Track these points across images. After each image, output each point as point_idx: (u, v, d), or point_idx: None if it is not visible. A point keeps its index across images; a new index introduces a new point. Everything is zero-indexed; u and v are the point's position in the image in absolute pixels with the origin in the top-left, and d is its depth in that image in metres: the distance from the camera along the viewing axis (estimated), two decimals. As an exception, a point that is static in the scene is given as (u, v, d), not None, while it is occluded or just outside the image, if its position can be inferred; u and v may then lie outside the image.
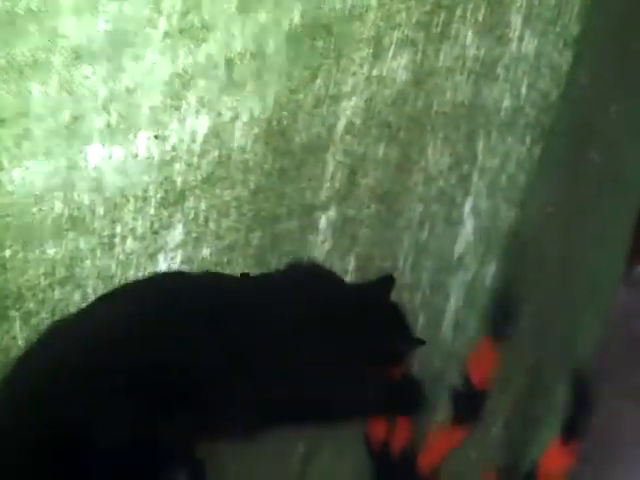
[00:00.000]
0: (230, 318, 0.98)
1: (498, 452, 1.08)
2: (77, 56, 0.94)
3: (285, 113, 1.08)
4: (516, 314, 1.09)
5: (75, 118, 0.97)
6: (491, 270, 1.13)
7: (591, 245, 1.12)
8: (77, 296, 1.05)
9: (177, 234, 1.09)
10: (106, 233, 1.04)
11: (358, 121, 1.09)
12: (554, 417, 1.06)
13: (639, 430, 1.23)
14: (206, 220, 1.11)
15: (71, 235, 1.02)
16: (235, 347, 0.96)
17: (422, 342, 1.06)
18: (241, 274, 1.09)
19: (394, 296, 1.11)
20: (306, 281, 1.05)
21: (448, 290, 1.13)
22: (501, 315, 1.10)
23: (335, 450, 1.08)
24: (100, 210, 1.02)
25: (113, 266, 1.06)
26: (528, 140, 1.11)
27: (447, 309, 1.13)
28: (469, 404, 1.08)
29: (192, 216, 1.10)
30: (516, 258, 1.11)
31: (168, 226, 1.09)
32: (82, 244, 1.02)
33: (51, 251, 1.01)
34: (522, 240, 1.11)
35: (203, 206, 1.10)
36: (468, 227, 1.13)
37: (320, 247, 1.13)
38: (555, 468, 1.04)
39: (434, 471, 1.07)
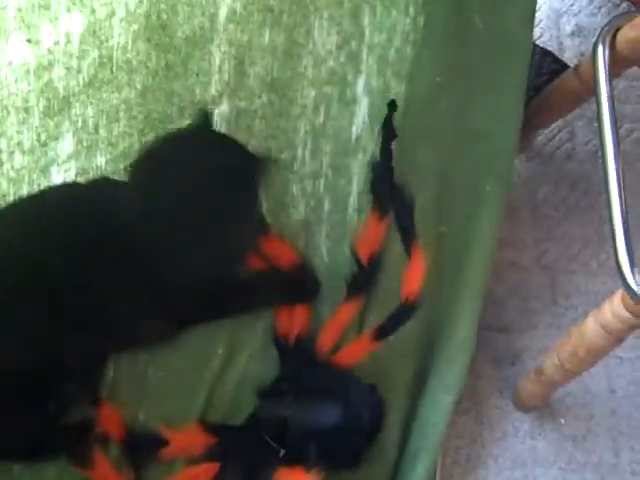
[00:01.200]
0: (118, 225, 0.93)
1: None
2: None
3: (163, 6, 1.04)
4: (399, 187, 1.10)
5: None
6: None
7: (484, 113, 1.14)
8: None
9: (67, 144, 1.06)
10: (-10, 148, 1.00)
11: (239, 7, 1.07)
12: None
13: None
14: (96, 127, 1.07)
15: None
16: (125, 253, 0.93)
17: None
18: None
19: (297, 185, 1.12)
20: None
21: (350, 173, 1.13)
22: (384, 188, 1.11)
23: (252, 354, 1.09)
24: (-20, 125, 0.98)
25: (4, 183, 1.02)
26: (412, 11, 1.10)
27: (351, 192, 1.13)
28: (359, 279, 1.09)
29: (80, 124, 1.06)
30: (407, 133, 1.11)
31: (56, 137, 1.05)
32: (-35, 160, 0.98)
33: None
34: (413, 115, 1.11)
35: (91, 112, 1.06)
36: (363, 106, 1.12)
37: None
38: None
39: (332, 351, 1.08)
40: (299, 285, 1.09)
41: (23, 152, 1.04)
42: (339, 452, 1.03)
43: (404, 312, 1.07)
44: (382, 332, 1.07)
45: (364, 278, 1.10)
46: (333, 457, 1.01)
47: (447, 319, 1.08)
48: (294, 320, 1.08)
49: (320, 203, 1.12)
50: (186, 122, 1.06)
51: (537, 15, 1.28)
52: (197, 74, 1.08)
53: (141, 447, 1.02)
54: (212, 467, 1.03)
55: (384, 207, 1.10)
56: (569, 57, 1.41)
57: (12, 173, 1.03)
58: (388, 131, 1.11)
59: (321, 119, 1.12)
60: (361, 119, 1.12)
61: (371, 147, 1.12)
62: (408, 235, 1.09)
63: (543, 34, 1.41)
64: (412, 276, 1.08)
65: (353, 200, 1.13)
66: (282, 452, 1.02)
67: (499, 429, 1.18)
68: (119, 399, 1.06)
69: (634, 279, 0.95)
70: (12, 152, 1.03)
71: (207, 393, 1.07)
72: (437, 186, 1.12)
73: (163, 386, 1.07)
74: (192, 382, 1.07)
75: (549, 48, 1.39)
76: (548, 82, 1.33)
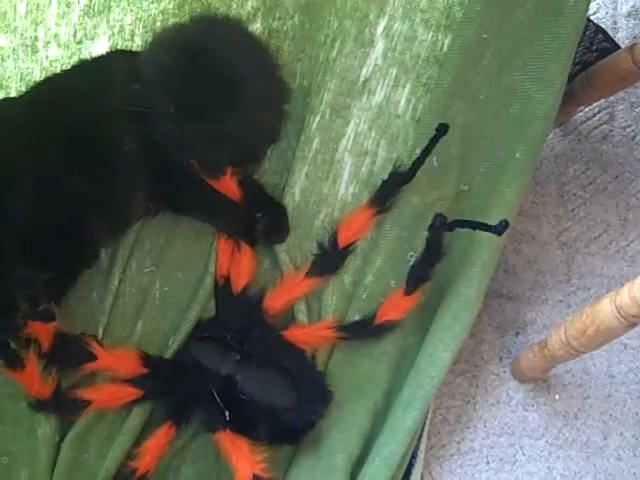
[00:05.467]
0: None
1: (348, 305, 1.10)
2: None
3: None
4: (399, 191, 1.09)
5: None
6: (403, 96, 1.11)
7: (525, 76, 1.11)
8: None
9: (102, 46, 1.06)
10: (28, 35, 0.99)
11: None
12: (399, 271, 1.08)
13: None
14: (132, 34, 1.07)
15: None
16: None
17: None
18: None
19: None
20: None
21: (349, 115, 1.10)
22: (389, 188, 1.09)
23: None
24: (22, 8, 0.97)
25: (37, 71, 1.02)
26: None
27: (345, 134, 1.11)
28: (328, 258, 1.09)
29: (117, 29, 1.06)
30: (441, 86, 1.10)
31: (93, 37, 1.05)
32: (3, 41, 0.98)
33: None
34: (451, 68, 1.09)
35: (129, 19, 1.06)
36: (378, 49, 1.09)
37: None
38: (393, 313, 1.06)
39: (278, 315, 1.08)
40: (270, 221, 1.08)
41: (59, 45, 1.04)
42: (282, 431, 1.02)
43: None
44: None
45: (333, 260, 1.09)
46: (274, 432, 1.01)
47: (458, 277, 1.06)
48: (240, 264, 1.07)
49: (309, 141, 1.10)
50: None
51: (595, -10, 1.26)
52: (235, -13, 1.07)
53: (67, 356, 1.01)
54: (134, 392, 1.02)
55: (382, 204, 1.09)
56: (621, 38, 1.37)
57: (45, 63, 1.04)
58: (426, 149, 1.08)
59: (334, 54, 1.10)
60: (373, 62, 1.10)
61: (378, 92, 1.10)
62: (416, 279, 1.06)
63: (599, 10, 1.38)
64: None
65: (346, 143, 1.11)
66: (227, 414, 1.01)
67: (493, 395, 1.18)
68: (119, 310, 1.07)
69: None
70: (48, 42, 1.03)
71: (199, 309, 1.07)
72: (465, 143, 1.11)
73: (164, 300, 1.08)
74: (188, 298, 1.08)
75: (603, 26, 1.36)
76: (596, 60, 1.31)
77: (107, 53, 1.03)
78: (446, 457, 1.14)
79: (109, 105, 0.94)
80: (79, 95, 0.95)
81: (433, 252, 1.04)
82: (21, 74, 1.01)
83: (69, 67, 1.01)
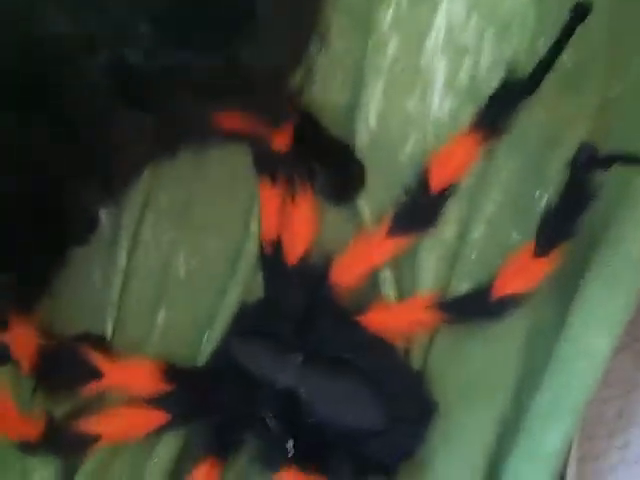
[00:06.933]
0: None
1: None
2: None
3: None
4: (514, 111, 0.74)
5: None
6: None
7: None
8: None
9: None
10: None
11: None
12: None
13: None
14: None
15: None
16: None
17: None
18: None
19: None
20: None
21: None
22: (501, 103, 0.75)
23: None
24: None
25: None
26: None
27: (433, 25, 0.78)
28: (416, 210, 0.75)
29: None
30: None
31: None
32: None
33: None
34: None
35: None
36: None
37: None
38: (519, 282, 0.73)
39: (353, 292, 0.75)
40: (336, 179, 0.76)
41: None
42: (368, 461, 0.72)
43: None
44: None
45: (425, 210, 0.75)
46: (359, 466, 0.71)
47: (615, 230, 0.72)
48: (295, 223, 0.75)
49: (383, 43, 0.78)
50: None
51: None
52: None
53: (61, 375, 0.72)
54: (157, 416, 0.73)
55: (492, 126, 0.74)
56: None
57: None
58: (556, 43, 0.73)
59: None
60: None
61: None
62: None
63: None
64: None
65: (435, 39, 0.78)
66: (291, 444, 0.71)
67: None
68: (131, 296, 0.78)
69: None
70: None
71: (240, 290, 0.77)
72: (613, 29, 0.76)
73: (192, 279, 0.78)
74: (225, 275, 0.78)
75: None
76: None
77: None
78: (604, 470, 0.81)
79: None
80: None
81: (576, 198, 0.71)
82: None
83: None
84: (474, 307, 0.74)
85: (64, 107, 0.64)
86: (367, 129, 0.78)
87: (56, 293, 0.75)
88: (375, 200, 0.78)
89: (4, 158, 0.63)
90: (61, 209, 0.68)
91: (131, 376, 0.73)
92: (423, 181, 0.75)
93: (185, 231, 0.79)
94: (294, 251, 0.76)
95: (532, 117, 0.76)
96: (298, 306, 0.75)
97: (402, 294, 0.77)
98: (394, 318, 0.74)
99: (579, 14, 0.72)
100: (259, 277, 0.78)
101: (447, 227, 0.78)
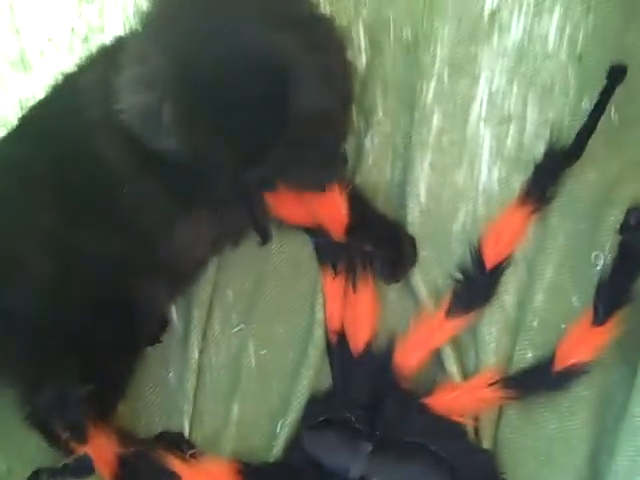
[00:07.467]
0: None
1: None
2: None
3: None
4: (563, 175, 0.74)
5: None
6: (552, 24, 0.78)
7: None
8: None
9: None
10: None
11: None
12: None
13: None
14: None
15: None
16: None
17: None
18: None
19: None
20: None
21: (475, 68, 0.79)
22: (549, 170, 0.75)
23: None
24: None
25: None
26: None
27: (475, 97, 0.79)
28: (473, 288, 0.75)
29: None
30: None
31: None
32: None
33: None
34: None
35: None
36: None
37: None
38: (581, 351, 0.71)
39: (412, 376, 0.76)
40: (389, 255, 0.77)
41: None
42: None
43: None
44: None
45: (482, 288, 0.75)
46: None
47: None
48: (358, 313, 0.76)
49: (426, 117, 0.79)
50: None
51: None
52: None
53: None
54: None
55: (541, 194, 0.75)
56: None
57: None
58: (599, 102, 0.73)
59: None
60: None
61: (513, 26, 0.77)
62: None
63: None
64: None
65: (479, 109, 0.79)
66: None
67: None
68: (206, 391, 0.80)
69: None
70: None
71: (312, 375, 0.78)
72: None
73: (264, 368, 0.80)
74: (296, 361, 0.80)
75: None
76: None
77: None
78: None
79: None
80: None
81: (630, 262, 0.69)
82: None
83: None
84: (539, 380, 0.73)
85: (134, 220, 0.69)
86: (418, 204, 0.79)
87: (134, 397, 0.78)
88: (429, 275, 0.78)
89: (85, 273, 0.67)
90: (133, 310, 0.71)
91: (209, 478, 0.75)
92: (478, 258, 0.76)
93: (253, 323, 0.81)
94: (359, 340, 0.77)
95: (582, 178, 0.75)
96: (365, 392, 0.76)
97: (465, 369, 0.77)
98: (460, 398, 0.74)
99: (616, 76, 0.71)
100: (326, 361, 0.79)
101: (507, 297, 0.77)
